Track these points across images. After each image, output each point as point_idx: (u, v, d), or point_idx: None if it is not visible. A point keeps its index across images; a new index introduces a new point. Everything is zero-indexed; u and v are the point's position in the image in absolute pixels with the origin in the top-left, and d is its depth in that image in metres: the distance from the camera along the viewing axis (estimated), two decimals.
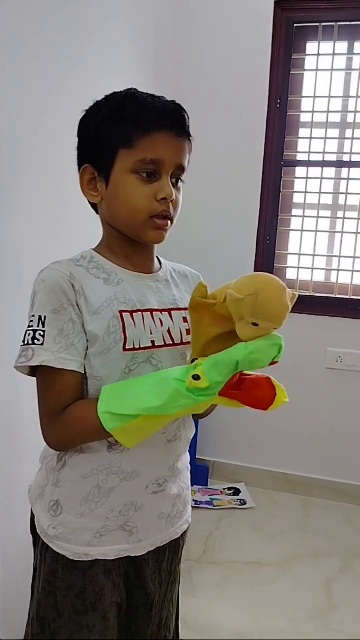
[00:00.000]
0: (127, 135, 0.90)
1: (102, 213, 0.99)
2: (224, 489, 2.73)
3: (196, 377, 0.80)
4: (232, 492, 2.72)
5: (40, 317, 0.88)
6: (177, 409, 0.82)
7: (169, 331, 0.99)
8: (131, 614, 1.11)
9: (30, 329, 0.89)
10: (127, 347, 0.93)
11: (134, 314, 0.95)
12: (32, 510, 1.07)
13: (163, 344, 0.98)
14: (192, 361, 0.86)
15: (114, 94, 0.95)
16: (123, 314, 0.93)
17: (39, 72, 1.44)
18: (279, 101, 2.46)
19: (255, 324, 0.80)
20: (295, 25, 2.40)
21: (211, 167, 2.51)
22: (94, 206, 1.02)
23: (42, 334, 0.87)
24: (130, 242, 0.99)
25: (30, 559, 1.11)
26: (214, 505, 2.57)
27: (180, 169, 0.95)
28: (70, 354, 0.89)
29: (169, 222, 0.95)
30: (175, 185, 0.95)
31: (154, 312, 0.98)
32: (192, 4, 2.46)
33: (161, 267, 1.07)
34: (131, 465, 0.97)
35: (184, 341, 1.00)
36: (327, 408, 2.66)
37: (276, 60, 2.42)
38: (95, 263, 0.97)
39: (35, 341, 0.87)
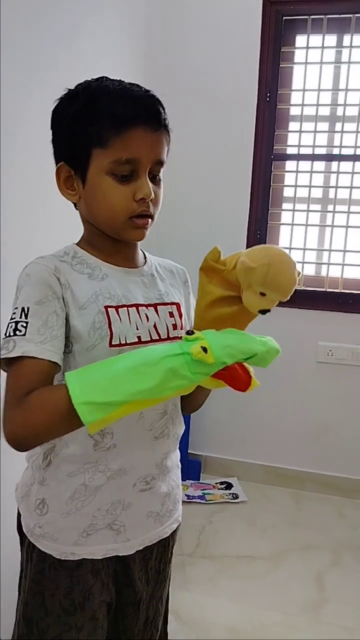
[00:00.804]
0: (100, 134, 0.86)
1: (82, 211, 0.97)
2: (216, 484, 2.73)
3: (205, 349, 0.74)
4: (224, 486, 2.72)
5: (23, 309, 0.85)
6: (170, 391, 0.74)
7: (154, 326, 0.97)
8: (119, 612, 1.10)
9: (12, 321, 0.85)
10: (113, 343, 0.90)
11: (119, 309, 0.93)
12: (18, 509, 1.05)
13: (149, 339, 0.95)
14: (188, 333, 0.79)
15: (86, 85, 0.90)
16: (108, 309, 0.91)
17: (23, 66, 1.42)
18: (268, 94, 2.45)
19: (262, 294, 0.82)
20: (284, 18, 2.39)
21: (201, 162, 2.50)
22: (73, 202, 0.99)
23: (24, 325, 0.83)
24: (112, 239, 0.97)
25: (18, 559, 1.10)
26: (206, 500, 2.57)
27: (159, 163, 0.92)
28: (54, 346, 0.84)
29: (150, 219, 0.93)
30: (154, 180, 0.92)
31: (139, 307, 0.96)
32: None
33: (146, 261, 1.05)
34: (117, 462, 0.95)
35: (170, 336, 0.98)
36: (318, 402, 2.67)
37: (265, 53, 2.41)
38: (78, 258, 0.95)
39: (17, 332, 0.83)
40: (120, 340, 0.91)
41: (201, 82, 2.48)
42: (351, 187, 2.46)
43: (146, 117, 0.87)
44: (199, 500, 2.56)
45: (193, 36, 2.47)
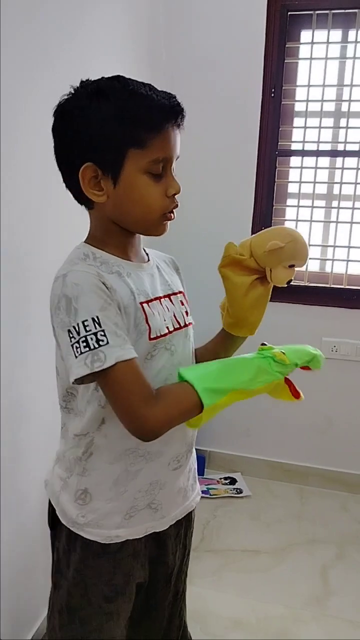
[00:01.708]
0: (138, 135, 0.89)
1: (104, 211, 0.96)
2: (220, 479, 2.75)
3: (282, 353, 0.97)
4: (228, 481, 2.73)
5: (93, 319, 0.86)
6: (259, 384, 0.94)
7: (174, 315, 1.04)
8: (150, 589, 1.17)
9: (89, 333, 0.85)
10: (152, 337, 0.97)
11: (151, 304, 0.98)
12: (50, 504, 1.09)
13: (174, 328, 1.03)
14: (263, 344, 1.01)
15: (109, 85, 0.91)
16: (143, 305, 0.96)
17: (29, 60, 1.42)
18: (273, 90, 2.45)
19: (292, 266, 1.03)
20: (289, 13, 2.38)
21: (205, 157, 2.50)
22: (82, 201, 0.99)
23: (102, 334, 0.86)
24: (127, 235, 1.00)
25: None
26: (211, 495, 2.59)
27: (177, 157, 0.97)
28: (129, 343, 0.89)
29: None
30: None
31: (161, 299, 1.02)
32: None
33: (148, 255, 1.09)
34: (155, 445, 0.98)
35: (187, 322, 1.08)
36: (323, 397, 2.68)
37: (270, 48, 2.41)
38: (100, 259, 0.96)
39: (100, 343, 0.85)
40: (156, 333, 0.98)
41: (206, 78, 2.48)
42: (356, 183, 2.45)
43: (175, 118, 0.92)
44: (203, 495, 2.57)
45: (197, 31, 2.46)
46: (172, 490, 1.08)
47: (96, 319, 0.86)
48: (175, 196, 0.96)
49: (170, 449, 1.04)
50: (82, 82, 0.94)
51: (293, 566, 2.17)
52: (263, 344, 1.00)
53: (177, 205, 0.97)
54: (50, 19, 1.49)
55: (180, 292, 1.10)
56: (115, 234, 0.99)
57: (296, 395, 1.05)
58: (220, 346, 1.17)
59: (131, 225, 0.98)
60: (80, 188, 0.94)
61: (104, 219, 0.98)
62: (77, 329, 0.86)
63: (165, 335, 1.00)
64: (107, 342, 0.85)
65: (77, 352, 0.86)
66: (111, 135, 0.89)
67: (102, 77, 0.93)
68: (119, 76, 0.93)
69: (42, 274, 1.52)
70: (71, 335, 0.86)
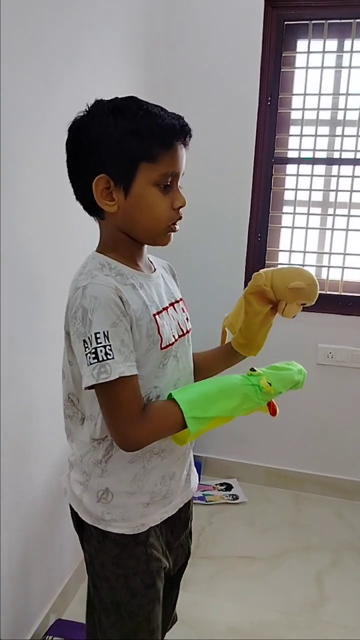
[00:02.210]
0: (150, 150, 0.96)
1: (114, 220, 1.02)
2: (216, 485, 2.75)
3: (269, 385, 1.03)
4: (224, 487, 2.73)
5: (104, 333, 0.93)
6: (243, 412, 1.02)
7: (178, 323, 1.11)
8: (175, 571, 1.28)
9: (100, 345, 0.92)
10: (163, 346, 1.03)
11: (161, 314, 1.05)
12: (72, 509, 1.15)
13: (178, 335, 1.10)
14: (252, 370, 1.07)
15: (125, 104, 0.98)
16: (155, 316, 1.03)
17: (36, 73, 1.46)
18: (269, 98, 2.47)
19: (303, 304, 1.16)
20: (285, 23, 2.40)
21: (202, 165, 2.51)
22: (93, 212, 1.05)
23: (110, 348, 0.93)
24: (135, 244, 1.06)
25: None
26: (206, 501, 2.59)
27: (182, 174, 1.04)
28: (132, 361, 0.96)
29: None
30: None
31: (167, 309, 1.09)
32: (182, 2, 2.46)
33: (152, 263, 1.15)
34: (168, 443, 1.08)
35: (188, 329, 1.16)
36: (319, 404, 2.68)
37: (267, 57, 2.43)
38: (115, 270, 1.02)
39: (108, 356, 0.92)
40: (167, 342, 1.05)
41: (202, 86, 2.50)
42: (351, 191, 2.47)
43: (184, 136, 1.00)
44: (199, 501, 2.57)
45: (194, 40, 2.48)
46: (180, 479, 1.18)
47: (106, 333, 0.93)
48: (181, 209, 1.03)
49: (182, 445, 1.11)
50: (96, 100, 1.01)
51: (288, 573, 2.17)
52: (252, 369, 1.06)
53: (181, 218, 1.04)
54: (56, 35, 1.50)
55: (181, 300, 1.17)
56: (124, 243, 1.05)
57: (273, 413, 1.11)
58: (222, 360, 1.26)
59: (139, 234, 1.04)
60: (92, 199, 1.00)
61: (114, 229, 1.04)
62: (90, 339, 0.93)
63: (172, 344, 1.07)
64: (113, 357, 0.92)
65: (89, 361, 0.93)
66: (125, 149, 0.96)
67: (117, 97, 1.01)
68: (133, 97, 1.01)
69: (47, 276, 1.54)
70: (86, 345, 0.93)
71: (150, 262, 1.14)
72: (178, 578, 1.33)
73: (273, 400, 1.08)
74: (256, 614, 1.94)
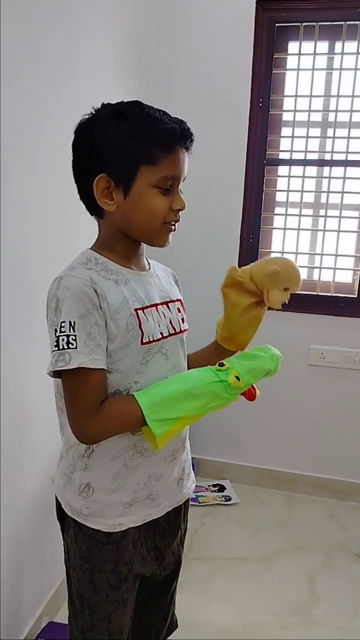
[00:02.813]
0: (151, 153, 0.98)
1: (114, 220, 1.05)
2: (208, 486, 2.75)
3: (238, 378, 0.99)
4: (217, 488, 2.74)
5: (70, 323, 0.94)
6: (211, 409, 1.00)
7: (170, 322, 1.11)
8: (164, 575, 1.26)
9: (63, 334, 0.94)
10: (144, 341, 1.03)
11: (145, 310, 1.05)
12: (57, 499, 1.16)
13: (169, 334, 1.10)
14: (220, 365, 1.03)
15: (128, 107, 1.00)
16: (138, 311, 1.03)
17: (37, 78, 1.48)
18: (261, 100, 2.47)
19: (286, 289, 1.13)
20: (276, 24, 2.42)
21: (194, 166, 2.50)
22: (93, 211, 1.07)
23: (74, 338, 0.94)
24: (132, 244, 1.08)
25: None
26: (199, 502, 2.59)
27: (184, 178, 1.07)
28: (98, 355, 0.96)
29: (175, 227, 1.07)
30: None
31: (157, 306, 1.09)
32: (173, 3, 2.46)
33: (149, 264, 1.17)
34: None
35: (182, 329, 1.15)
36: (310, 404, 2.69)
37: (258, 59, 2.44)
38: (101, 265, 1.04)
39: (70, 345, 0.93)
40: (149, 338, 1.04)
41: (194, 88, 2.50)
42: (342, 192, 2.48)
43: (185, 140, 1.02)
44: (191, 503, 2.56)
45: (186, 42, 2.49)
46: (168, 481, 1.15)
47: (72, 323, 0.94)
48: (180, 212, 1.05)
49: (166, 446, 1.08)
50: (102, 104, 1.03)
51: (280, 574, 2.17)
52: (220, 364, 1.02)
53: (178, 220, 1.06)
54: (53, 42, 1.50)
55: (178, 300, 1.18)
56: (121, 242, 1.07)
57: (251, 398, 1.07)
58: (213, 356, 1.24)
59: (137, 233, 1.06)
60: (93, 198, 1.03)
61: (112, 228, 1.07)
62: (57, 328, 0.95)
63: (158, 340, 1.06)
64: (76, 347, 0.94)
65: (52, 349, 0.95)
66: (126, 151, 0.98)
67: (122, 101, 1.02)
68: (136, 101, 1.02)
69: (43, 275, 1.55)
70: (53, 334, 0.95)
71: (148, 263, 1.16)
72: (169, 585, 1.32)
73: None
74: (249, 615, 1.94)
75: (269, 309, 1.18)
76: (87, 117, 1.03)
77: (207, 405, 0.99)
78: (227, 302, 1.17)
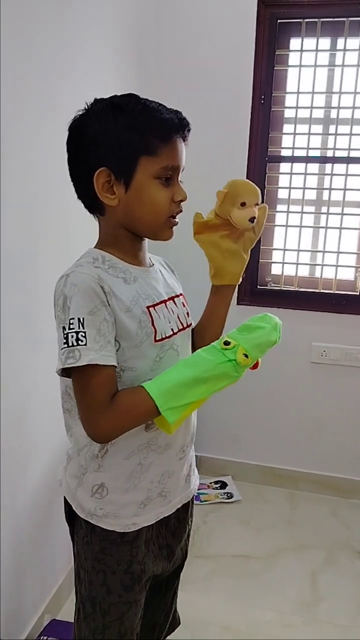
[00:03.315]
0: (150, 143, 0.98)
1: (115, 215, 1.03)
2: (210, 483, 2.75)
3: (246, 356, 0.96)
4: (218, 485, 2.73)
5: (79, 320, 0.93)
6: (220, 389, 0.97)
7: (178, 317, 1.12)
8: (171, 573, 1.29)
9: (72, 331, 0.92)
10: (157, 339, 1.03)
11: (156, 307, 1.05)
12: (66, 502, 1.16)
13: (178, 329, 1.10)
14: (226, 343, 0.98)
15: (124, 101, 1.00)
16: (149, 309, 1.03)
17: (36, 74, 1.47)
18: (262, 97, 2.46)
19: (243, 204, 1.10)
20: (278, 21, 2.40)
21: (195, 163, 2.49)
22: (93, 209, 1.06)
23: (83, 335, 0.92)
24: (136, 240, 1.08)
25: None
26: (201, 500, 2.59)
27: (183, 169, 1.06)
28: (108, 351, 0.95)
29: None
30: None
31: (166, 302, 1.09)
32: (175, 1, 2.45)
33: (150, 259, 1.15)
34: (165, 439, 1.08)
35: (188, 323, 1.16)
36: (313, 402, 2.69)
37: (260, 56, 2.43)
38: (108, 263, 1.03)
39: (79, 342, 0.92)
40: (162, 335, 1.05)
41: (196, 84, 2.49)
42: (345, 189, 2.48)
43: (182, 130, 1.02)
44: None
45: (187, 39, 2.48)
46: (179, 478, 1.16)
47: (81, 320, 0.93)
48: (181, 203, 1.04)
49: (177, 441, 1.12)
50: (95, 99, 1.02)
51: (283, 571, 2.17)
52: (226, 342, 0.98)
53: (181, 211, 1.05)
54: (52, 39, 1.50)
55: (181, 295, 1.17)
56: (124, 239, 1.06)
57: (254, 367, 1.03)
58: (216, 302, 1.23)
59: (140, 228, 1.05)
60: (92, 195, 1.01)
61: (114, 224, 1.05)
62: (65, 326, 0.93)
63: (170, 336, 1.07)
64: (85, 344, 0.92)
65: (60, 346, 0.94)
66: (125, 143, 0.98)
67: (116, 95, 1.02)
68: (131, 94, 1.02)
69: (44, 275, 1.55)
70: (62, 331, 0.94)
71: (149, 259, 1.16)
72: (172, 581, 1.32)
73: None
74: (251, 613, 1.94)
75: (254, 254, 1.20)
76: (80, 113, 1.02)
77: (218, 386, 0.96)
78: (201, 245, 1.17)
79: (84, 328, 0.92)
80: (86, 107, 1.02)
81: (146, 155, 0.98)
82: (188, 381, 0.94)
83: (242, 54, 2.43)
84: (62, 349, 0.93)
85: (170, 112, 1.01)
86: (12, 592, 1.61)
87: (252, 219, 1.12)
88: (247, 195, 1.11)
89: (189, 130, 1.03)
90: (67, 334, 0.92)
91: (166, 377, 0.96)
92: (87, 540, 1.12)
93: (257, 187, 1.13)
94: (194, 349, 1.18)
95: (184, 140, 1.03)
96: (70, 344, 0.92)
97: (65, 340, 0.92)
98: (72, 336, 0.92)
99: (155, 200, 1.00)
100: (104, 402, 0.94)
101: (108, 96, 1.02)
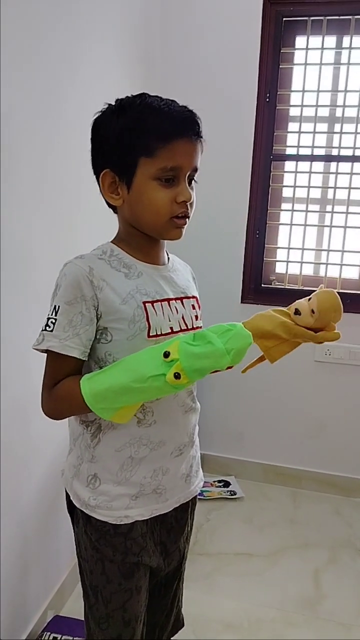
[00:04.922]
0: (148, 145, 0.98)
1: (123, 214, 1.07)
2: (213, 482, 2.75)
3: (177, 375, 0.89)
4: (222, 484, 2.74)
5: (55, 307, 0.99)
6: (158, 397, 1.00)
7: (182, 317, 1.11)
8: (168, 572, 1.27)
9: (47, 316, 1.00)
10: (150, 334, 1.04)
11: (155, 304, 1.05)
12: (66, 492, 1.18)
13: (179, 329, 1.09)
14: (165, 354, 0.91)
15: (130, 102, 1.01)
16: (146, 304, 1.04)
17: (42, 78, 1.48)
18: (268, 95, 2.46)
19: (312, 311, 1.10)
20: (284, 19, 2.40)
21: (201, 161, 2.51)
22: (111, 206, 1.09)
23: (53, 322, 0.98)
24: (148, 238, 1.08)
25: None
26: (205, 497, 2.59)
27: (195, 170, 1.05)
28: (74, 343, 0.98)
29: (187, 219, 1.06)
30: (189, 184, 1.05)
31: (170, 301, 1.09)
32: None
33: (169, 258, 1.18)
34: (158, 436, 1.09)
35: (195, 326, 1.13)
36: (316, 400, 2.69)
37: (265, 54, 2.43)
38: (115, 257, 1.06)
39: (47, 328, 0.99)
40: (156, 331, 1.04)
41: (201, 83, 2.49)
42: (350, 188, 2.47)
43: (187, 131, 1.00)
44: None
45: (193, 36, 2.47)
46: (176, 476, 1.15)
47: (57, 307, 0.99)
48: (190, 204, 1.04)
49: (172, 439, 1.12)
50: (116, 100, 1.04)
51: (285, 569, 2.17)
52: (166, 354, 0.91)
53: (186, 212, 1.04)
54: (57, 37, 1.50)
55: (193, 297, 1.17)
56: (135, 236, 1.08)
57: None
58: None
59: (144, 227, 1.06)
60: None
61: (125, 222, 1.09)
62: (51, 309, 1.01)
63: (167, 334, 1.06)
64: (52, 330, 0.98)
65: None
66: (125, 144, 0.99)
67: (129, 95, 1.03)
68: (142, 93, 1.03)
69: (47, 268, 1.55)
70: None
71: (168, 258, 1.17)
72: (171, 582, 1.32)
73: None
74: (253, 610, 1.94)
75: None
76: (98, 114, 1.04)
77: (153, 396, 0.97)
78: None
79: (56, 316, 0.98)
80: (103, 108, 1.04)
81: (145, 156, 0.99)
82: (119, 388, 0.93)
83: (247, 52, 2.42)
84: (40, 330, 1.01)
85: (176, 110, 1.01)
86: (16, 587, 1.61)
87: (297, 310, 1.12)
88: (318, 301, 1.12)
89: (195, 130, 1.02)
90: (46, 318, 1.00)
91: (101, 377, 0.96)
92: (84, 530, 1.14)
93: (332, 305, 1.16)
94: None
95: (191, 139, 1.01)
96: (42, 328, 1.00)
97: (44, 324, 1.00)
98: (45, 321, 0.99)
99: (154, 201, 1.01)
100: (49, 386, 1.02)
101: (121, 97, 1.04)
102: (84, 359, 1.01)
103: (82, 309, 0.99)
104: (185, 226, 1.06)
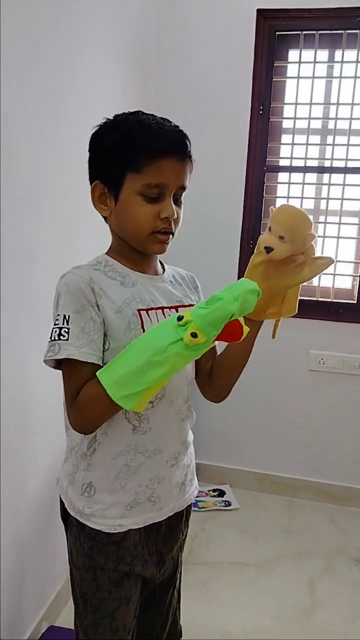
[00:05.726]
0: (135, 161, 1.00)
1: (111, 224, 1.11)
2: (208, 491, 2.75)
3: (194, 335, 0.87)
4: (216, 493, 2.74)
5: (64, 316, 0.99)
6: (181, 367, 0.92)
7: None
8: (163, 580, 1.27)
9: (56, 326, 0.99)
10: None
11: (149, 312, 1.07)
12: (61, 500, 1.18)
13: None
14: (179, 319, 0.90)
15: (124, 118, 1.04)
16: (141, 312, 1.05)
17: (42, 89, 1.51)
18: (261, 108, 2.49)
19: (281, 237, 1.05)
20: (277, 33, 2.44)
21: (195, 173, 2.52)
22: (103, 216, 1.11)
23: (66, 331, 0.98)
24: (138, 250, 1.10)
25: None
26: (199, 507, 2.59)
27: (182, 188, 1.07)
28: (91, 349, 0.99)
29: (171, 236, 1.07)
30: (176, 202, 1.07)
31: (164, 309, 1.10)
32: (175, 12, 2.49)
33: (164, 270, 1.20)
34: (154, 444, 1.10)
35: None
36: (310, 410, 2.70)
37: (258, 67, 2.46)
38: (110, 267, 1.09)
39: (61, 337, 0.98)
40: None
41: (195, 96, 2.52)
42: (342, 199, 2.50)
43: (174, 150, 1.02)
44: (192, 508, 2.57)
45: (187, 50, 2.51)
46: (170, 484, 1.16)
47: (67, 317, 0.99)
48: (174, 222, 1.05)
49: (167, 447, 1.13)
50: (114, 115, 1.07)
51: (281, 579, 2.17)
52: (179, 318, 0.90)
53: (168, 228, 1.05)
54: (55, 52, 1.52)
55: (190, 306, 1.14)
56: (125, 247, 1.10)
57: (235, 339, 0.95)
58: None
59: (129, 240, 1.08)
60: None
61: (114, 232, 1.12)
62: (56, 319, 1.00)
63: None
64: (67, 339, 0.97)
65: (48, 340, 1.00)
66: (114, 159, 1.03)
67: (126, 111, 1.07)
68: (137, 111, 1.06)
69: (47, 274, 1.57)
70: (52, 326, 1.00)
71: (163, 268, 1.19)
72: (166, 591, 1.31)
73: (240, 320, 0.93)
74: (249, 619, 1.94)
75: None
76: (96, 127, 1.08)
77: (175, 368, 0.91)
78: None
79: (67, 325, 0.98)
80: (101, 123, 1.07)
81: (131, 172, 1.01)
82: (140, 367, 0.91)
83: (241, 65, 2.46)
84: (48, 342, 0.99)
85: (167, 129, 1.03)
86: (11, 597, 1.61)
87: (266, 248, 1.06)
88: (281, 226, 1.05)
89: (185, 150, 1.04)
90: (53, 328, 0.99)
91: (117, 364, 0.94)
92: (77, 538, 1.14)
93: (291, 218, 1.07)
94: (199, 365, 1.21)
95: (181, 160, 1.03)
96: (53, 338, 0.98)
97: (51, 334, 0.99)
98: (56, 331, 0.98)
99: (137, 216, 1.03)
100: (72, 397, 0.99)
101: (115, 110, 1.07)
102: (101, 364, 0.99)
103: (92, 314, 1.00)
104: (169, 242, 1.08)
